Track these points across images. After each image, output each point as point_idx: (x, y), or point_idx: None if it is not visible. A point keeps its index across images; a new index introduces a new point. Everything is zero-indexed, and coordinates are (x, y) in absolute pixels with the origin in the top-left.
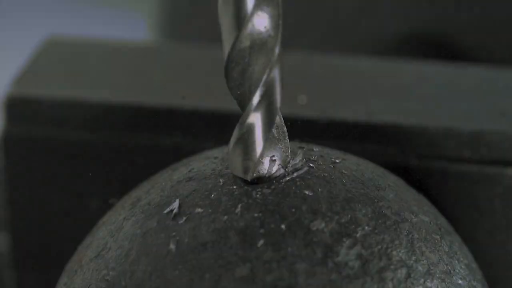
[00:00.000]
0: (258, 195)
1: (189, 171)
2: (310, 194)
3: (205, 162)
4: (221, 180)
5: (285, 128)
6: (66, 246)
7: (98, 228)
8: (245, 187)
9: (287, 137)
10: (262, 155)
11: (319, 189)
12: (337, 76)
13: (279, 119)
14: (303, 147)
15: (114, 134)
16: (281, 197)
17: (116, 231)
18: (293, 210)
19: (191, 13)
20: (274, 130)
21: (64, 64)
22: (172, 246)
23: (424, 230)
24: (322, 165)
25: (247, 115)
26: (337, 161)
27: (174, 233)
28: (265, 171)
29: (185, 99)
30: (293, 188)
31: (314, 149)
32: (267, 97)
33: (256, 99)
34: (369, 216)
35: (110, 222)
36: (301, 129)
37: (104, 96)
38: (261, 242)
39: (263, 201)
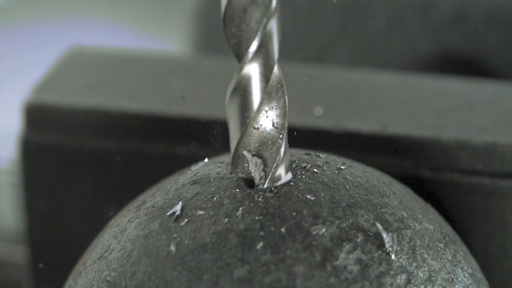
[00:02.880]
0: (260, 199)
1: (194, 174)
2: (312, 198)
3: (211, 167)
4: (224, 184)
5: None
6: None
7: (104, 231)
8: (248, 191)
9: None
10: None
11: (322, 194)
12: (353, 89)
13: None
14: (310, 153)
15: (132, 142)
16: (283, 200)
17: (120, 233)
18: (294, 213)
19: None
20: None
21: (84, 73)
22: (172, 247)
23: (427, 238)
24: (326, 171)
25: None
26: (342, 167)
27: (175, 235)
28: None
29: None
30: (296, 192)
31: (321, 156)
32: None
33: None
34: (371, 221)
35: (115, 224)
36: (316, 140)
37: (122, 104)
38: (260, 244)
39: (265, 204)
